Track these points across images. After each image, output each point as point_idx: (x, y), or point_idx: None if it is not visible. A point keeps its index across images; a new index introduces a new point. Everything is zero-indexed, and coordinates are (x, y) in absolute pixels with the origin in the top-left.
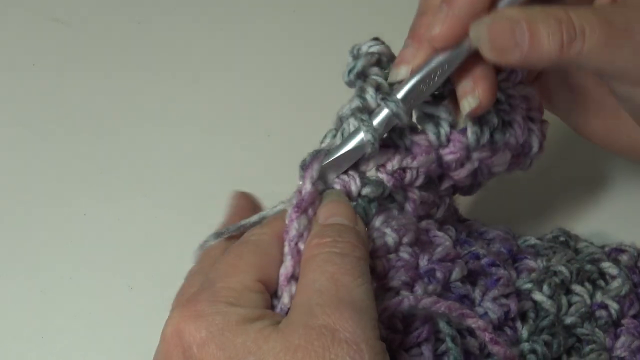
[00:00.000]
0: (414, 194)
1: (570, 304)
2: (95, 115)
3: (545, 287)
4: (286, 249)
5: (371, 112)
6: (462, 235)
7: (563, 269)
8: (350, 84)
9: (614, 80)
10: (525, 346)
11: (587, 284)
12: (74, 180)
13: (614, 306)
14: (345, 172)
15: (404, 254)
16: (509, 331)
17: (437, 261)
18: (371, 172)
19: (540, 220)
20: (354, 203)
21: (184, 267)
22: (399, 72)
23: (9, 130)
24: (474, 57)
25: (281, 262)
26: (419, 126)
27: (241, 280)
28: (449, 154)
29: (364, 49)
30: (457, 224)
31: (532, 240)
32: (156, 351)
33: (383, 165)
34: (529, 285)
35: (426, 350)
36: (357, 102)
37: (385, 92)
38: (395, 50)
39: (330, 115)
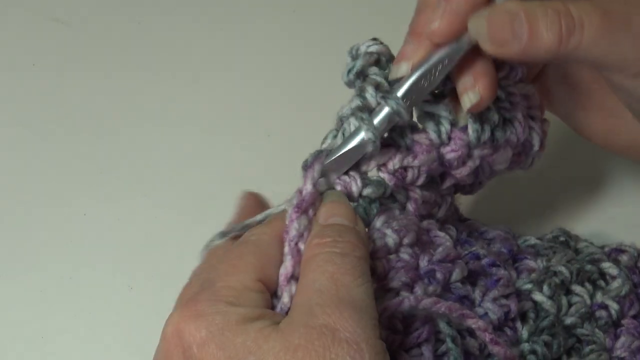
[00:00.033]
0: (416, 194)
1: (570, 305)
2: (95, 115)
3: (545, 288)
4: (286, 249)
5: (371, 111)
6: (462, 235)
7: (563, 269)
8: (349, 84)
9: (613, 73)
10: (525, 347)
11: (587, 284)
12: (74, 180)
13: (614, 306)
14: (346, 173)
15: (404, 254)
16: (509, 332)
17: (438, 262)
18: (372, 172)
19: (540, 220)
20: (355, 204)
21: (184, 267)
22: (400, 68)
23: (9, 130)
24: (474, 54)
25: (281, 261)
26: (419, 125)
27: (241, 279)
28: (450, 152)
29: (363, 49)
30: (457, 224)
31: (532, 240)
32: (156, 351)
33: (384, 165)
34: (529, 286)
35: (426, 350)
36: (357, 102)
37: (385, 90)
38: (395, 51)
39: (330, 115)
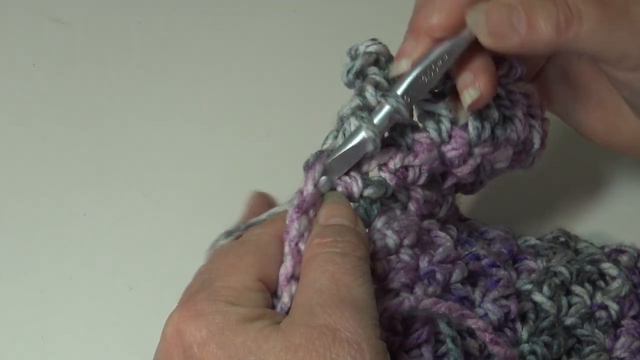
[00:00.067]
0: (417, 193)
1: (570, 305)
2: (95, 115)
3: (545, 288)
4: (286, 249)
5: (371, 110)
6: (463, 235)
7: (563, 269)
8: (349, 84)
9: (612, 66)
10: (525, 347)
11: (587, 284)
12: (74, 180)
13: (613, 307)
14: (347, 173)
15: (405, 255)
16: (508, 332)
17: (438, 263)
18: (374, 173)
19: (540, 220)
20: (356, 204)
21: (184, 267)
22: (400, 65)
23: (9, 130)
24: (473, 50)
25: (281, 261)
26: (420, 124)
27: (241, 279)
28: (451, 150)
29: (362, 49)
30: (458, 223)
31: (532, 241)
32: (156, 351)
33: (385, 164)
34: (529, 286)
35: (426, 351)
36: (357, 101)
37: (385, 89)
38: (394, 51)
39: (330, 115)
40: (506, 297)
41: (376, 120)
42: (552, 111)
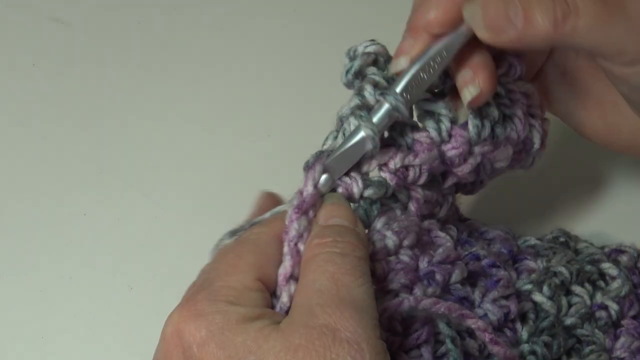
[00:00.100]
0: (418, 193)
1: (570, 305)
2: (95, 115)
3: (545, 288)
4: (285, 249)
5: (371, 109)
6: (463, 235)
7: (563, 269)
8: (348, 84)
9: (609, 61)
10: (525, 347)
11: (587, 284)
12: (74, 180)
13: (613, 307)
14: (347, 174)
15: (404, 256)
16: (508, 332)
17: (437, 263)
18: (374, 173)
19: (540, 220)
20: (356, 205)
21: (184, 267)
22: (398, 62)
23: (9, 130)
24: (472, 47)
25: (280, 261)
26: (419, 124)
27: (241, 279)
28: (451, 149)
29: (360, 49)
30: (458, 223)
31: (532, 241)
32: (156, 351)
33: (385, 164)
34: (529, 286)
35: (426, 352)
36: (356, 101)
37: (384, 88)
38: (394, 51)
39: (330, 115)
40: (506, 297)
41: (375, 118)
42: (552, 111)
